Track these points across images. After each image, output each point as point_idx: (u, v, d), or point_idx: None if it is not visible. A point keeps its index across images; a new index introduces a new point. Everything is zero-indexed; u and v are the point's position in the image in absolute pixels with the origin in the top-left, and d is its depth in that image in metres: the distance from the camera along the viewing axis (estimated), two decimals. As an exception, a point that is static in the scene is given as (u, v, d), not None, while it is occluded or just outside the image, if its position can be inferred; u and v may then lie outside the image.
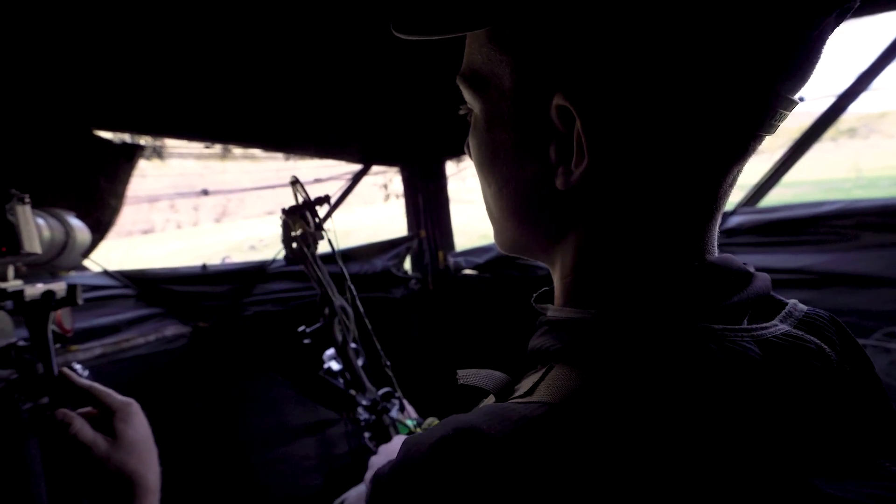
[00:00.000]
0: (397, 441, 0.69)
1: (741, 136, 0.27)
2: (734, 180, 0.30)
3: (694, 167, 0.27)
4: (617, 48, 0.25)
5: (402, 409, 0.87)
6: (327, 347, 0.94)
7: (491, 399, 0.35)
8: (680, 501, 0.21)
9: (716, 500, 0.21)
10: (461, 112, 0.36)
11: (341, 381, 0.92)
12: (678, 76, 0.25)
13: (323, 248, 0.99)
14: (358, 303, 0.93)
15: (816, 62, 0.26)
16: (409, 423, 0.83)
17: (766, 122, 0.26)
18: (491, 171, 0.33)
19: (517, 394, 0.30)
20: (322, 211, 0.92)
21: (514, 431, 0.24)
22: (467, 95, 0.33)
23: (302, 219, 0.89)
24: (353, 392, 0.90)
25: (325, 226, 0.94)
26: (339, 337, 0.91)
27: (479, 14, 0.28)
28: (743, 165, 0.29)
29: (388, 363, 0.91)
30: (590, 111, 0.26)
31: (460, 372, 0.35)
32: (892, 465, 0.25)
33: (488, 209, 0.37)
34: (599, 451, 0.22)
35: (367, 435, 0.87)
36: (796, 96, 0.27)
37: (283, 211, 0.90)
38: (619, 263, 0.30)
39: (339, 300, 0.91)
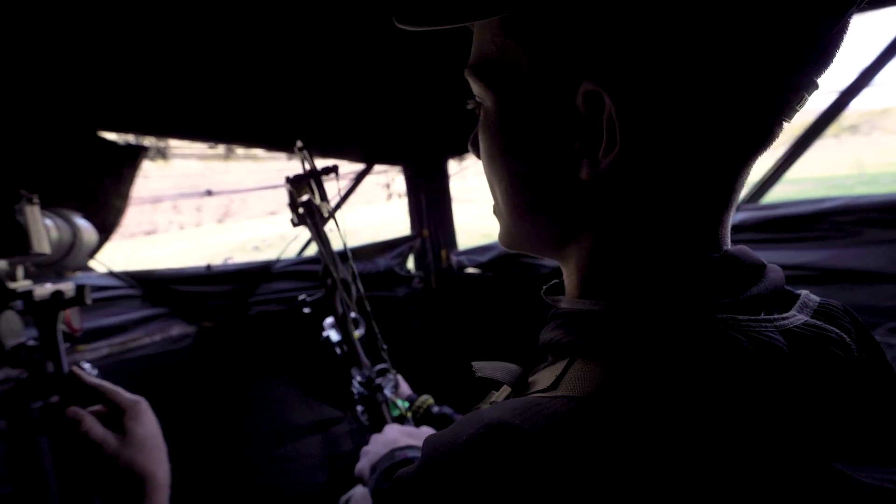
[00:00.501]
0: (389, 431, 0.68)
1: (766, 120, 0.27)
2: (751, 169, 0.29)
3: (718, 152, 0.27)
4: (648, 31, 0.24)
5: (396, 386, 0.86)
6: (327, 317, 0.94)
7: (504, 392, 0.34)
8: (719, 491, 0.21)
9: (750, 489, 0.21)
10: (469, 106, 0.34)
11: (339, 351, 0.92)
12: (709, 59, 0.24)
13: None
14: (359, 282, 0.92)
15: (839, 46, 0.26)
16: (401, 403, 0.82)
17: (791, 105, 0.26)
18: (504, 165, 0.32)
19: (536, 387, 0.29)
20: (330, 190, 0.90)
21: (549, 427, 0.23)
22: (477, 88, 0.31)
23: (308, 187, 0.88)
24: (350, 369, 0.90)
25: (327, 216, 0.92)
26: (340, 309, 0.91)
27: (489, 4, 0.26)
28: (762, 153, 0.29)
29: (385, 346, 0.90)
30: (622, 96, 0.25)
31: (476, 364, 0.34)
32: None
33: (496, 206, 0.35)
34: (636, 444, 0.22)
35: (360, 409, 0.87)
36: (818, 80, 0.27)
37: (288, 179, 0.88)
38: (638, 254, 0.29)
39: (341, 273, 0.89)
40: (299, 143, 0.87)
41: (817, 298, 0.32)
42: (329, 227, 0.92)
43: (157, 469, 0.54)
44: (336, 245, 0.93)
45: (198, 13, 0.97)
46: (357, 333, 0.91)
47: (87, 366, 0.62)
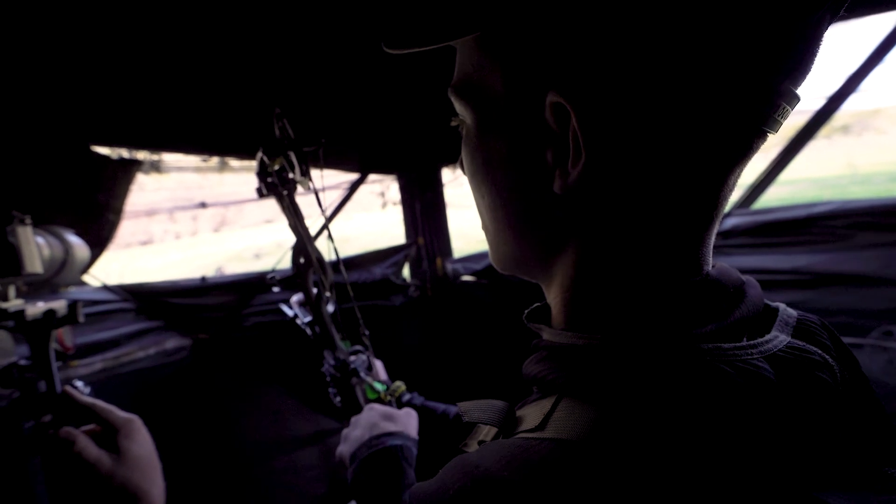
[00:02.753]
0: (370, 414, 0.67)
1: (744, 131, 0.26)
2: (734, 184, 0.29)
3: (694, 165, 0.26)
4: (610, 41, 0.24)
5: (370, 368, 0.83)
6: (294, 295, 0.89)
7: (492, 431, 0.34)
8: None
9: None
10: (453, 124, 0.35)
11: (309, 331, 0.87)
12: (674, 69, 0.24)
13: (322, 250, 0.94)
14: (342, 267, 0.86)
15: (815, 55, 0.25)
16: (378, 386, 0.80)
17: (769, 115, 0.25)
18: (485, 180, 0.32)
19: (524, 425, 0.29)
20: (317, 182, 0.81)
21: (538, 476, 0.23)
22: (459, 106, 0.32)
23: (284, 158, 0.78)
24: (321, 348, 0.86)
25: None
26: (314, 289, 0.85)
27: (466, 22, 0.28)
28: (744, 166, 0.28)
29: (367, 332, 0.86)
30: (585, 106, 0.25)
31: (462, 406, 0.34)
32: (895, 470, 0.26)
33: (483, 223, 0.36)
34: (628, 493, 0.22)
35: (332, 391, 0.84)
36: (798, 91, 0.26)
37: (262, 147, 0.79)
38: (619, 278, 0.29)
39: (316, 252, 0.83)
40: (277, 110, 0.79)
41: (794, 313, 0.32)
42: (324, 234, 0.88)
43: (152, 487, 0.54)
44: (328, 255, 0.90)
45: (190, 25, 0.97)
46: (329, 309, 0.85)
47: (79, 384, 0.62)
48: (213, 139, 1.48)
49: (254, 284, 1.67)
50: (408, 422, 0.67)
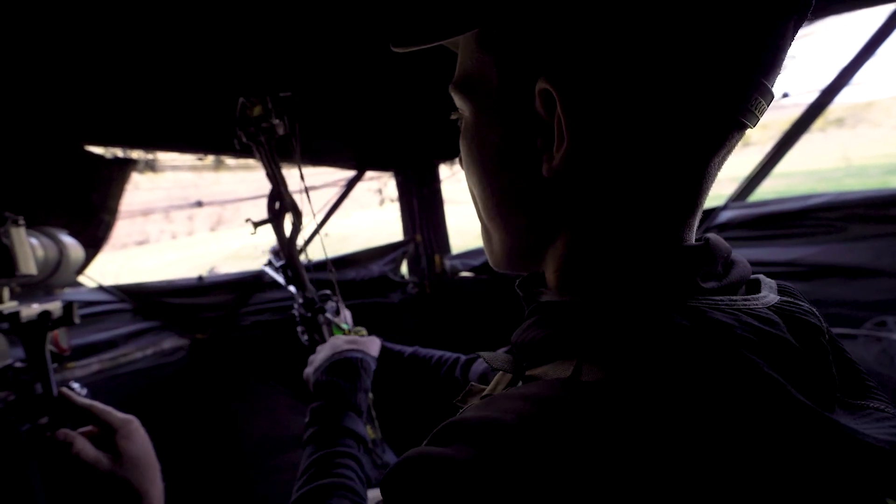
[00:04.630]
0: (332, 340, 0.73)
1: (722, 122, 0.27)
2: (715, 174, 0.30)
3: (673, 151, 0.28)
4: (594, 32, 0.26)
5: (337, 312, 0.88)
6: (274, 243, 0.94)
7: (505, 379, 0.36)
8: (725, 460, 0.22)
9: (760, 451, 0.22)
10: (453, 117, 0.37)
11: (282, 277, 0.93)
12: (654, 60, 0.25)
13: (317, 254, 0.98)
14: (313, 207, 0.92)
15: (785, 54, 0.27)
16: (344, 326, 0.85)
17: (745, 107, 0.27)
18: (481, 170, 0.34)
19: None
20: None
21: (540, 421, 0.23)
22: (458, 101, 0.34)
23: (262, 105, 0.83)
24: (292, 288, 0.91)
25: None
26: (288, 234, 0.91)
27: (466, 19, 0.30)
28: (725, 157, 0.30)
29: (336, 281, 0.91)
30: (569, 92, 0.27)
31: (484, 356, 0.35)
32: (877, 404, 0.28)
33: (479, 215, 0.37)
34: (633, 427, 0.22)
35: (300, 329, 0.89)
36: (773, 87, 0.28)
37: (242, 98, 0.83)
38: (610, 252, 0.30)
39: (290, 199, 0.89)
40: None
41: (773, 281, 0.34)
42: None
43: (151, 488, 0.54)
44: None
45: (184, 23, 0.97)
46: (302, 257, 0.92)
47: (75, 385, 0.62)
48: (208, 137, 1.47)
49: (251, 283, 1.67)
50: (370, 345, 0.74)
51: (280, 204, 0.88)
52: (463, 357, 0.78)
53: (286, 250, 0.91)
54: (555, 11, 0.26)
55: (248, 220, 0.90)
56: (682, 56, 0.25)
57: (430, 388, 0.76)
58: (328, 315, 0.86)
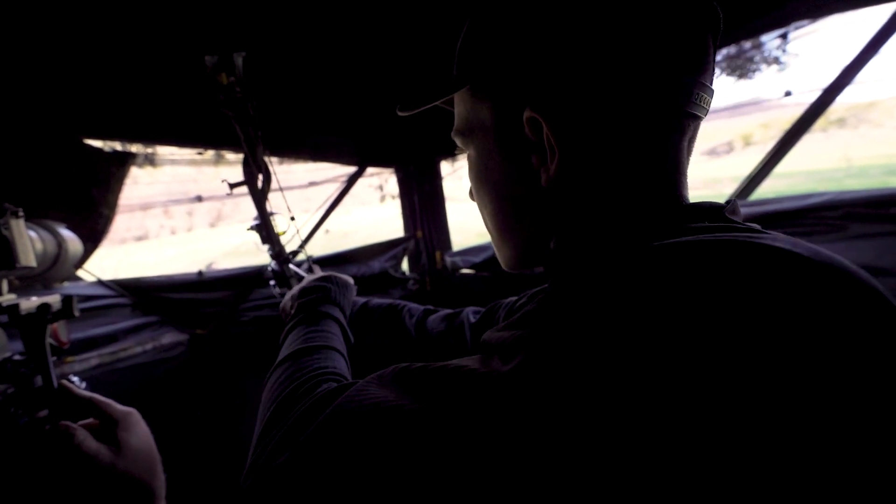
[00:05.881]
0: (304, 279, 0.75)
1: (675, 115, 0.35)
2: (689, 153, 0.38)
3: (641, 142, 0.34)
4: (562, 67, 0.34)
5: (310, 270, 0.94)
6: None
7: None
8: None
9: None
10: (456, 153, 0.46)
11: (258, 235, 0.99)
12: (612, 80, 0.33)
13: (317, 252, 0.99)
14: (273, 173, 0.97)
15: (713, 59, 0.36)
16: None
17: (691, 102, 0.34)
18: (487, 191, 0.41)
19: None
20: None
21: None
22: (461, 143, 0.43)
23: (226, 74, 0.88)
24: (266, 246, 0.98)
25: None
26: (259, 194, 0.96)
27: (460, 80, 0.39)
28: (690, 142, 0.37)
29: (313, 257, 0.99)
30: (552, 116, 0.34)
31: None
32: None
33: (489, 230, 0.44)
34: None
35: (272, 283, 0.96)
36: (712, 85, 0.36)
37: (214, 63, 0.88)
38: (593, 232, 0.36)
39: (262, 160, 0.94)
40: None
41: None
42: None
43: (153, 480, 0.54)
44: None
45: (183, 14, 0.96)
46: (274, 219, 0.97)
47: (74, 379, 0.61)
48: (208, 131, 1.47)
49: (251, 279, 1.67)
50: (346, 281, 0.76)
51: (255, 165, 0.94)
52: (418, 309, 0.79)
53: (257, 208, 0.97)
54: (530, 59, 0.35)
55: (223, 181, 0.96)
56: (633, 68, 0.33)
57: (389, 335, 0.78)
58: (292, 267, 0.93)
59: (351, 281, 0.75)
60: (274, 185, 1.00)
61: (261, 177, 0.95)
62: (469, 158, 0.43)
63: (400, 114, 0.43)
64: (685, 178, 0.37)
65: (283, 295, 0.91)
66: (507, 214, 0.40)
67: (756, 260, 0.25)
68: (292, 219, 0.99)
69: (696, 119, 0.36)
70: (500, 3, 0.37)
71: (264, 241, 0.98)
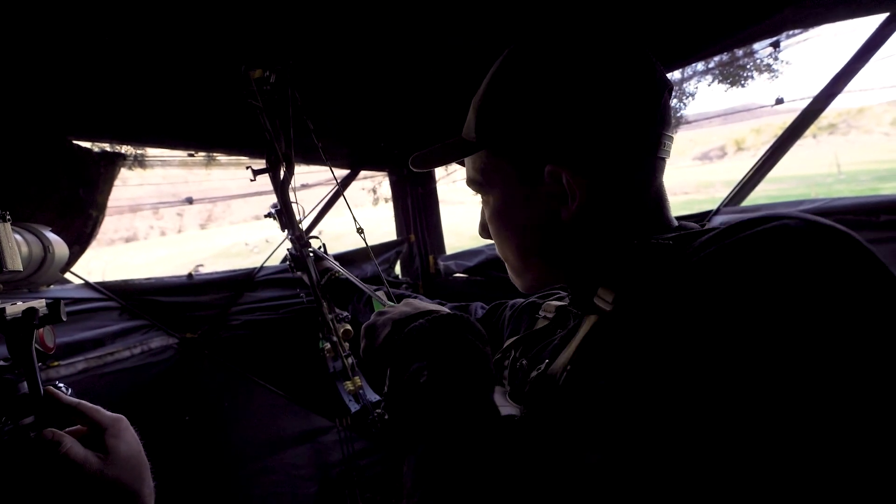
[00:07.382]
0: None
1: (651, 159, 0.47)
2: (663, 187, 0.50)
3: (633, 180, 0.47)
4: (578, 134, 0.45)
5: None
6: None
7: None
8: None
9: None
10: (473, 193, 0.55)
11: (277, 222, 1.08)
12: (615, 138, 0.45)
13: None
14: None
15: (670, 113, 0.48)
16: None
17: (660, 149, 0.47)
18: (511, 230, 0.51)
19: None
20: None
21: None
22: (478, 191, 0.53)
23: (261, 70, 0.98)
24: (286, 231, 1.07)
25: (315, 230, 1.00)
26: (281, 178, 1.04)
27: (480, 144, 0.50)
28: (661, 176, 0.49)
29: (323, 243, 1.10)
30: (572, 169, 0.46)
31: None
32: None
33: (510, 264, 0.54)
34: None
35: (290, 265, 1.06)
36: (672, 133, 0.48)
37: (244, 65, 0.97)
38: (620, 249, 0.47)
39: (283, 148, 1.02)
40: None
41: None
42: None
43: (142, 487, 0.53)
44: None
45: (174, 14, 0.95)
46: (294, 205, 1.05)
47: (61, 385, 0.60)
48: (199, 132, 1.45)
49: (242, 282, 1.65)
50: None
51: (273, 156, 1.02)
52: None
53: (279, 196, 1.04)
54: (548, 128, 0.46)
55: (248, 168, 1.04)
56: (626, 126, 0.45)
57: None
58: (312, 250, 1.03)
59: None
60: (272, 187, 1.05)
61: (283, 166, 1.03)
62: (486, 203, 0.52)
63: (414, 170, 0.57)
64: (668, 205, 0.50)
65: (294, 276, 1.04)
66: (531, 246, 0.50)
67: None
68: (360, 230, 1.10)
69: (664, 161, 0.49)
70: (518, 83, 0.47)
71: (284, 226, 1.07)
